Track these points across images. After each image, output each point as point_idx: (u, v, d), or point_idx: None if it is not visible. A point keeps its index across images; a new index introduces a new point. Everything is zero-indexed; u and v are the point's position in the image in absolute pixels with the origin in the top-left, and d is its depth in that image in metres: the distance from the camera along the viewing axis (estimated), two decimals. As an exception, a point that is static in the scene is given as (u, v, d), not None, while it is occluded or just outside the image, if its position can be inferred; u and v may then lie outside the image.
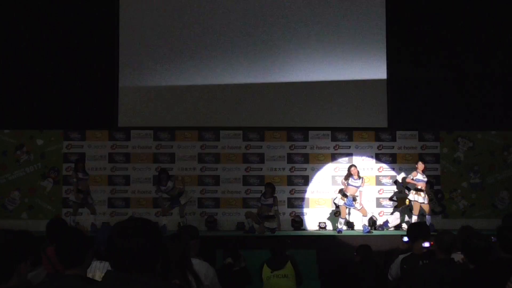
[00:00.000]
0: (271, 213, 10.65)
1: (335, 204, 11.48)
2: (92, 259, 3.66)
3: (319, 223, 11.93)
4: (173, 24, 12.23)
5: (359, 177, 10.88)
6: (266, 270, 6.67)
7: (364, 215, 10.95)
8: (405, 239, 5.36)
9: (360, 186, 10.89)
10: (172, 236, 3.97)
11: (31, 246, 2.88)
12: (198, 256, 4.50)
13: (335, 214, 11.82)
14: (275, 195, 10.82)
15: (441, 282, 4.10)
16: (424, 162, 11.37)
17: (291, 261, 6.73)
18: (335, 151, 12.33)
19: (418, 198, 10.93)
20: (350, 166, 11.11)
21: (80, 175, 10.78)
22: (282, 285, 6.61)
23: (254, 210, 11.00)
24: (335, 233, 10.75)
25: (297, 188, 12.17)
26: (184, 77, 12.17)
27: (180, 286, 3.29)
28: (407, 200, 11.25)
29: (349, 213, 11.22)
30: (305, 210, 12.10)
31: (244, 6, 12.34)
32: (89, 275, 3.57)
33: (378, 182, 12.28)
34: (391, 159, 12.34)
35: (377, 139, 12.39)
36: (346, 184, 10.94)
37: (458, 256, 4.55)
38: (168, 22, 12.25)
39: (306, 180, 12.21)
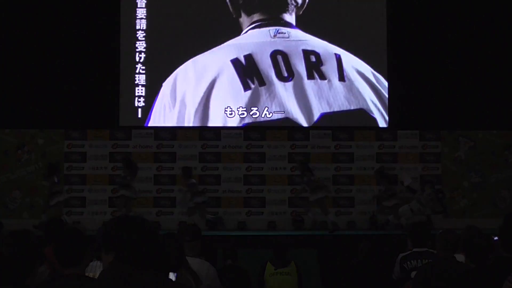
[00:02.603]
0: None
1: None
2: (91, 258, 3.66)
3: (320, 222, 11.90)
4: (174, 24, 12.22)
5: None
6: (269, 268, 6.67)
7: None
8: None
9: None
10: (167, 235, 3.94)
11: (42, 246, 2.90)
12: (200, 256, 4.48)
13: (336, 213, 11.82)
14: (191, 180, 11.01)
15: (441, 280, 4.09)
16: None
17: (295, 262, 6.75)
18: (336, 151, 12.32)
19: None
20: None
21: (56, 179, 10.93)
22: (285, 282, 6.61)
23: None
24: (336, 232, 10.73)
25: (298, 187, 12.14)
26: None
27: (181, 285, 3.28)
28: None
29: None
30: (305, 209, 12.06)
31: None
32: (90, 274, 3.57)
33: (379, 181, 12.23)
34: (392, 159, 12.32)
35: (378, 138, 12.37)
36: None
37: (460, 257, 4.52)
38: (169, 22, 12.24)
39: (307, 180, 12.17)
